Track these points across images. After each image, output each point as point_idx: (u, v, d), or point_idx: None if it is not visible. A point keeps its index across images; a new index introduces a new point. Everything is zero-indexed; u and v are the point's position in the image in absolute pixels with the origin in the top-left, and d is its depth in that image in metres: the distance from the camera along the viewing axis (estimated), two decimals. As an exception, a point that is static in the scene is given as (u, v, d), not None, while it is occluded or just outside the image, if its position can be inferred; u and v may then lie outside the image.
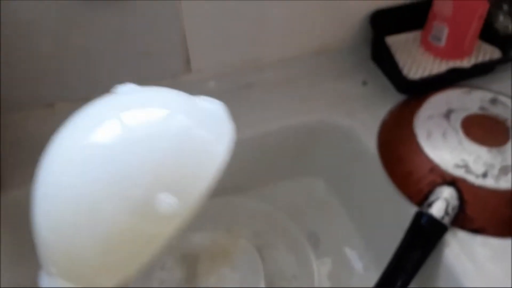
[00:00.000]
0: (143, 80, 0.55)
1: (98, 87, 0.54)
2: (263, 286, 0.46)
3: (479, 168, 0.45)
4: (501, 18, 0.59)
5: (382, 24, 0.59)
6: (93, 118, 0.25)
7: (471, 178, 0.44)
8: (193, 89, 0.57)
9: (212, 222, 0.51)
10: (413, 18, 0.60)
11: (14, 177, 0.48)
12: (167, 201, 0.22)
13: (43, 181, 0.24)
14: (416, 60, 0.58)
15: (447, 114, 0.50)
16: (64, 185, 0.22)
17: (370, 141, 0.51)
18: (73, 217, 0.21)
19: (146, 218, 0.22)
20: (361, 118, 0.54)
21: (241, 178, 0.56)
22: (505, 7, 0.59)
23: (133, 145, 0.22)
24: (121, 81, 0.54)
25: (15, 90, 0.51)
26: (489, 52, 0.59)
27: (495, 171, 0.45)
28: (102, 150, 0.22)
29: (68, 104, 0.54)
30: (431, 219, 0.42)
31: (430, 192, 0.45)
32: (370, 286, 0.43)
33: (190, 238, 0.51)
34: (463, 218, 0.44)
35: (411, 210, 0.45)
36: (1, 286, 0.48)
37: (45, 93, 0.53)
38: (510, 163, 0.45)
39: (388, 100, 0.55)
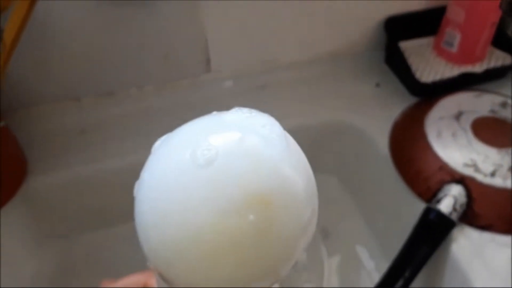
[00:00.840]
0: (165, 78, 0.58)
1: (121, 84, 0.58)
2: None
3: (487, 168, 0.46)
4: (513, 25, 0.61)
5: (396, 30, 0.60)
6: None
7: (479, 177, 0.45)
8: (211, 88, 0.60)
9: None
10: (426, 24, 0.62)
11: (41, 164, 0.50)
12: None
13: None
14: (429, 64, 0.60)
15: (458, 116, 0.51)
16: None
17: (382, 141, 0.53)
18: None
19: None
20: (374, 119, 0.55)
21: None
22: (518, 15, 0.61)
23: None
24: (144, 78, 0.57)
25: (47, 85, 0.54)
26: (501, 58, 0.60)
27: (504, 171, 0.46)
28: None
29: (93, 98, 0.57)
30: (439, 214, 0.44)
31: (439, 189, 0.46)
32: (377, 282, 0.44)
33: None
34: (471, 215, 0.45)
35: (421, 207, 0.46)
36: (26, 269, 0.51)
37: (72, 88, 0.55)
38: (518, 164, 0.46)
39: (400, 102, 0.57)
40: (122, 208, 0.56)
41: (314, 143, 0.58)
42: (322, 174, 0.61)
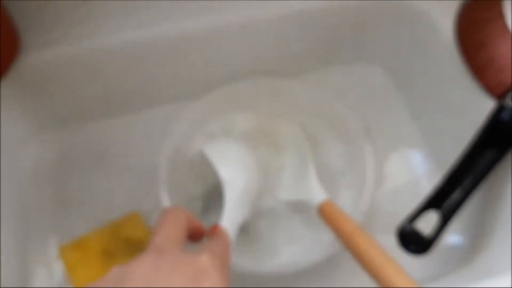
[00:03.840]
0: None
1: None
2: (312, 171, 0.41)
3: None
4: None
5: None
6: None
7: None
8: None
9: (254, 103, 0.46)
10: None
11: (36, 38, 0.43)
12: None
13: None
14: None
15: (546, -5, 0.41)
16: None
17: (445, 24, 0.43)
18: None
19: None
20: (435, -3, 0.45)
21: (283, 62, 0.50)
22: None
23: None
24: None
25: None
26: None
27: None
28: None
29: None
30: (515, 113, 0.36)
31: (515, 83, 0.37)
32: (431, 190, 0.37)
33: (231, 119, 0.47)
34: (551, 117, 0.36)
35: (489, 104, 0.38)
36: (26, 156, 0.46)
37: None
38: None
39: (470, -22, 0.46)
40: (126, 95, 0.49)
41: (355, 26, 0.49)
42: (364, 63, 0.53)
